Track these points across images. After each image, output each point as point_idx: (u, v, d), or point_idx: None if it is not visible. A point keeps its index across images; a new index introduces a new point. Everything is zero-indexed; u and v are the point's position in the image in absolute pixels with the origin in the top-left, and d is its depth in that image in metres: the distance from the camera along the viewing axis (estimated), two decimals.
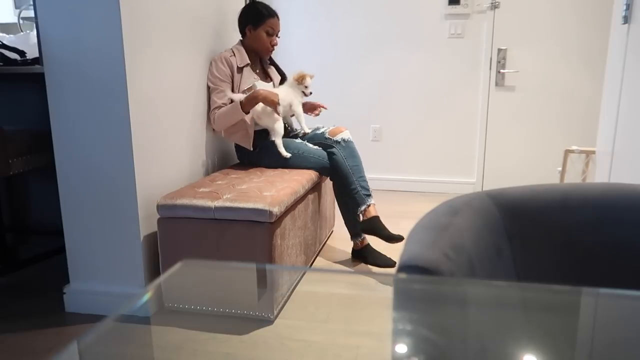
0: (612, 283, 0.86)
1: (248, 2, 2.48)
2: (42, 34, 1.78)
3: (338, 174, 2.35)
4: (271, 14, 2.42)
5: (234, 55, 2.40)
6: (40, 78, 1.85)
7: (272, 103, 2.24)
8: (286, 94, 2.38)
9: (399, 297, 0.70)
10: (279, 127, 2.34)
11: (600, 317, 0.77)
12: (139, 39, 1.83)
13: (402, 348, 0.64)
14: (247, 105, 2.25)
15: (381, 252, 2.41)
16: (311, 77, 2.44)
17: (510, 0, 3.47)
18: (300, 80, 2.40)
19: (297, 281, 2.14)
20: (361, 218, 2.31)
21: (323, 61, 3.83)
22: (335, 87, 3.85)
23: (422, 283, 0.66)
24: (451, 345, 0.65)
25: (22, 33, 2.55)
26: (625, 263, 0.87)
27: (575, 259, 0.87)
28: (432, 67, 3.69)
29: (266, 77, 2.56)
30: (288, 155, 2.34)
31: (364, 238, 2.42)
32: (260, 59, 2.57)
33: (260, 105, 2.29)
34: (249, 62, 2.42)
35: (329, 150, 2.37)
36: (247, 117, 2.32)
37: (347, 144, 2.40)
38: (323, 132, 2.44)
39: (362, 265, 2.40)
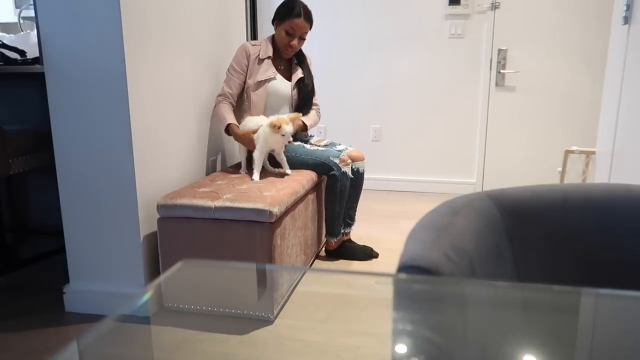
0: (612, 283, 0.86)
1: None
2: (43, 33, 1.78)
3: (332, 190, 2.33)
4: (298, 14, 2.30)
5: (260, 45, 2.38)
6: (40, 78, 1.85)
7: (248, 146, 2.29)
8: (264, 142, 2.17)
9: (399, 297, 0.70)
10: (257, 157, 2.19)
11: (600, 318, 0.77)
12: (139, 38, 1.83)
13: (402, 348, 0.64)
14: (230, 132, 2.30)
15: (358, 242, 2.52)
16: (291, 120, 2.15)
17: (511, 1, 3.47)
18: (276, 128, 2.10)
19: (297, 281, 2.13)
20: (333, 244, 2.43)
21: (323, 61, 3.83)
22: (335, 87, 3.85)
23: (422, 283, 0.66)
24: (451, 345, 0.65)
25: (22, 32, 2.55)
26: (625, 263, 0.87)
27: (575, 259, 0.87)
28: (432, 67, 3.69)
29: (290, 74, 2.49)
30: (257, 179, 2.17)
31: (340, 238, 2.45)
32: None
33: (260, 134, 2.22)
34: (270, 55, 2.39)
35: (331, 173, 2.30)
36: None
37: (358, 175, 2.44)
38: (340, 151, 2.36)
39: (361, 266, 2.40)
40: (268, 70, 2.38)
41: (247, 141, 2.24)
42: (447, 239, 0.70)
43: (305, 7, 2.35)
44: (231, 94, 2.35)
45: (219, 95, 2.36)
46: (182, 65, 2.18)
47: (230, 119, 2.30)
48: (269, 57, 2.39)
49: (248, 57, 2.36)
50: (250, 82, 2.36)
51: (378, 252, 2.47)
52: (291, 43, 2.36)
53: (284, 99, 2.44)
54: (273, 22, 2.40)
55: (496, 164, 3.72)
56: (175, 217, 1.84)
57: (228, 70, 2.38)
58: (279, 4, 2.39)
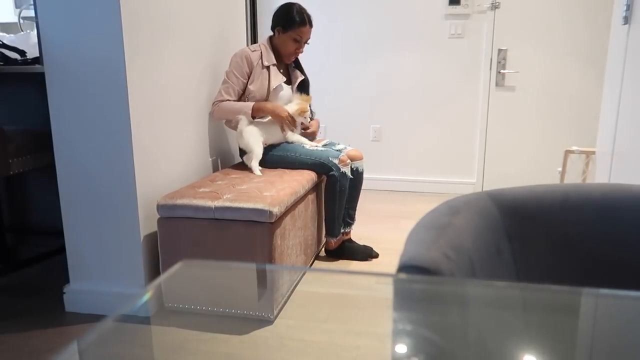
0: (612, 283, 0.86)
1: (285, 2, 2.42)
2: (43, 33, 1.78)
3: (331, 190, 2.33)
4: (303, 21, 2.33)
5: (260, 52, 2.37)
6: (40, 78, 1.85)
7: (279, 118, 2.31)
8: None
9: (399, 297, 0.70)
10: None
11: (600, 318, 0.77)
12: (140, 38, 1.83)
13: (402, 348, 0.64)
14: (255, 112, 2.30)
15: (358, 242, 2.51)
16: (308, 105, 2.45)
17: (511, 1, 3.47)
18: (303, 113, 2.39)
19: (297, 281, 2.14)
20: (333, 244, 2.43)
21: (323, 61, 3.83)
22: (335, 87, 3.85)
23: (422, 283, 0.66)
24: (451, 345, 0.65)
25: (22, 33, 2.55)
26: (625, 263, 0.87)
27: (575, 259, 0.87)
28: (432, 67, 3.69)
29: (289, 77, 2.51)
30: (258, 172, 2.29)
31: (340, 238, 2.44)
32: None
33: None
34: (275, 62, 2.39)
35: (330, 173, 2.31)
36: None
37: (357, 174, 2.44)
38: (339, 151, 2.39)
39: (361, 266, 2.40)
40: (277, 76, 2.38)
41: (281, 111, 2.32)
42: (447, 238, 0.70)
43: (306, 12, 2.37)
44: (228, 100, 2.33)
45: (219, 101, 2.32)
46: (183, 65, 2.18)
47: (249, 103, 2.32)
48: (273, 64, 2.38)
49: (250, 63, 2.33)
50: (251, 87, 2.34)
51: (378, 252, 2.47)
52: (297, 50, 2.40)
53: (285, 103, 2.45)
54: (273, 29, 2.39)
55: (496, 164, 3.72)
56: (175, 217, 1.84)
57: (227, 76, 2.33)
58: (276, 11, 2.38)
